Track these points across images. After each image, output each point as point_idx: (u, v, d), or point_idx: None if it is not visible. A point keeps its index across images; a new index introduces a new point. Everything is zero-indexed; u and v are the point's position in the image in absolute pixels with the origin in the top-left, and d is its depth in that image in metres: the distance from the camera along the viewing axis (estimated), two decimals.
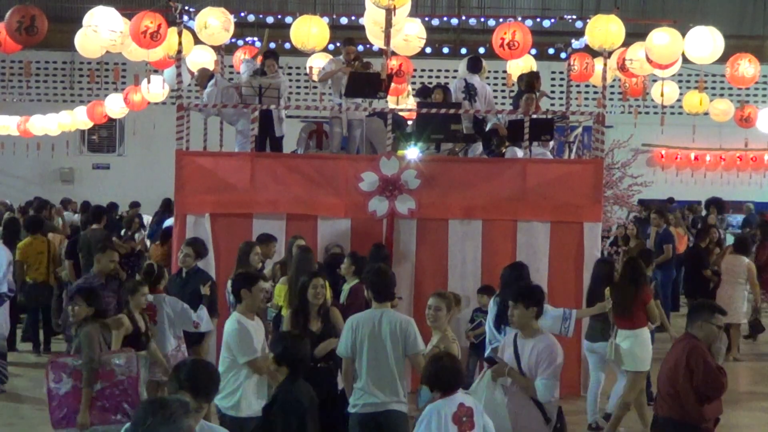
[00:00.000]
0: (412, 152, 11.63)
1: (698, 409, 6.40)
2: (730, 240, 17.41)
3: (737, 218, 21.76)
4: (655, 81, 15.83)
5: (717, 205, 19.74)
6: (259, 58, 13.13)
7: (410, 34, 13.01)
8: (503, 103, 17.95)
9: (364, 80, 11.79)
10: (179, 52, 11.79)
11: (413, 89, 16.92)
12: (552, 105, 20.35)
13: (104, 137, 25.31)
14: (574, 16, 17.25)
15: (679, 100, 17.41)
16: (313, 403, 5.97)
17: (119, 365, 7.09)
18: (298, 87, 22.92)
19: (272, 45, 16.83)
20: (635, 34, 13.59)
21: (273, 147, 12.42)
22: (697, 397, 6.38)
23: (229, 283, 9.63)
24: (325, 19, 13.10)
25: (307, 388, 5.97)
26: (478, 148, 12.79)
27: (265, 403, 6.32)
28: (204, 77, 12.82)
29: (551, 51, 17.92)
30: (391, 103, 15.10)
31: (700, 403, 6.39)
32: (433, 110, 11.86)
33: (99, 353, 7.08)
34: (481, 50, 16.22)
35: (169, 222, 13.27)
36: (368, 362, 6.87)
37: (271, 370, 6.33)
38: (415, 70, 17.13)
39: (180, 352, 8.72)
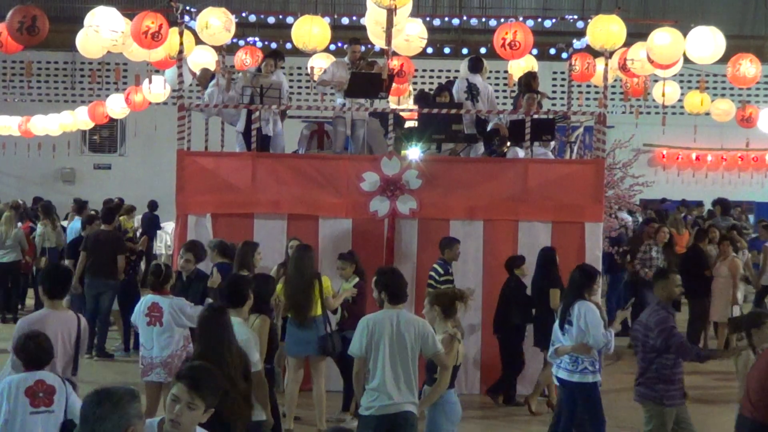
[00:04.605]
0: (414, 152, 11.62)
1: None
2: None
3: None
4: (656, 81, 15.79)
5: (722, 205, 19.73)
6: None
7: (411, 35, 12.99)
8: (504, 104, 17.94)
9: (366, 80, 11.79)
10: (180, 52, 11.80)
11: (414, 89, 16.91)
12: (553, 105, 20.31)
13: (105, 137, 25.29)
14: (576, 16, 17.17)
15: (680, 100, 17.38)
16: None
17: None
18: (299, 87, 22.90)
19: (274, 45, 16.86)
20: (636, 34, 13.57)
21: (262, 145, 12.34)
22: None
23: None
24: (327, 20, 13.07)
25: None
26: (480, 148, 12.78)
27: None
28: (205, 77, 12.83)
29: (552, 51, 17.90)
30: (392, 103, 15.09)
31: None
32: (434, 110, 11.85)
33: None
34: (483, 50, 16.19)
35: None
36: (386, 362, 6.79)
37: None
38: (416, 70, 17.10)
39: (186, 351, 8.70)
